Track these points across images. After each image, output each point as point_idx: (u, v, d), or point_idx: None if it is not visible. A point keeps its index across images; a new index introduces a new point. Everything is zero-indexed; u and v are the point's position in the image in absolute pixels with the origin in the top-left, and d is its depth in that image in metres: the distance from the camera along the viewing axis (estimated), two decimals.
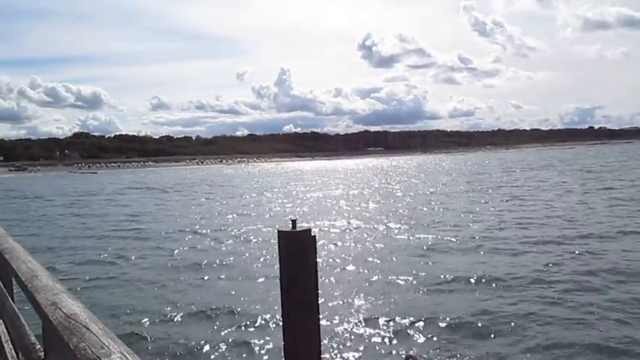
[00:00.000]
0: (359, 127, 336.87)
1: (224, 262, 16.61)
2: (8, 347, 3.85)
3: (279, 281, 6.17)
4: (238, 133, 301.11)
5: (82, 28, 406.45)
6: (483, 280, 13.17)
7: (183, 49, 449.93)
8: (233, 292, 13.04)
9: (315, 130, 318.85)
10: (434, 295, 12.32)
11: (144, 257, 18.19)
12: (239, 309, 11.59)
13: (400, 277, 13.81)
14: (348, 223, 24.78)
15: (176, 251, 18.84)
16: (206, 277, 14.76)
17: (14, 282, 4.06)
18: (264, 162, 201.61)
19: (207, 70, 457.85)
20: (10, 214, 36.19)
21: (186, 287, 13.86)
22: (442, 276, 13.76)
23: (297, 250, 6.11)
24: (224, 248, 19.34)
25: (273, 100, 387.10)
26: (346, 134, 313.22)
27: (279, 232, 6.31)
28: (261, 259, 16.68)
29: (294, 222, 6.23)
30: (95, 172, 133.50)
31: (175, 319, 11.10)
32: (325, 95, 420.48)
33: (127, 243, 21.28)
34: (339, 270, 14.97)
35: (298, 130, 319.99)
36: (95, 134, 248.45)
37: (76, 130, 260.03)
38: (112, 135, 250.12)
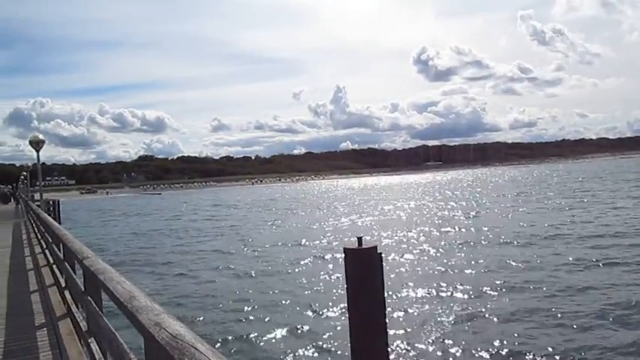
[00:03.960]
0: (416, 142, 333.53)
1: (289, 275, 16.82)
2: None
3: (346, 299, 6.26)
4: (296, 152, 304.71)
5: (147, 56, 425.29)
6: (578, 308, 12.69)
7: (242, 72, 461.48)
8: (300, 309, 13.16)
9: (373, 146, 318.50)
10: (513, 325, 11.60)
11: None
12: (307, 327, 11.69)
13: (471, 297, 13.52)
14: (414, 239, 24.50)
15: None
16: (273, 290, 14.97)
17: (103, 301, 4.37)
18: (322, 179, 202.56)
19: (265, 91, 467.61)
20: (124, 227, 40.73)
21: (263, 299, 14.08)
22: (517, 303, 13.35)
23: (363, 268, 6.16)
24: (295, 262, 19.55)
25: (330, 117, 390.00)
26: (404, 149, 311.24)
27: (345, 249, 6.35)
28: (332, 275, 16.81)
29: (360, 239, 6.27)
30: (159, 194, 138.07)
31: (250, 336, 11.29)
32: (382, 111, 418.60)
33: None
34: (406, 289, 14.74)
35: (355, 146, 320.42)
36: (159, 156, 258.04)
37: (142, 153, 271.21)
38: (175, 157, 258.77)
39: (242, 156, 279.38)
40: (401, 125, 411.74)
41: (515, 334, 10.39)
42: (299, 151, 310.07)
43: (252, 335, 11.31)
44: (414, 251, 21.01)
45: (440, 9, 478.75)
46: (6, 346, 5.57)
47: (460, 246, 21.59)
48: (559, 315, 11.39)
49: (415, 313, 12.30)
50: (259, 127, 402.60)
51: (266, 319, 12.50)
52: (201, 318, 12.97)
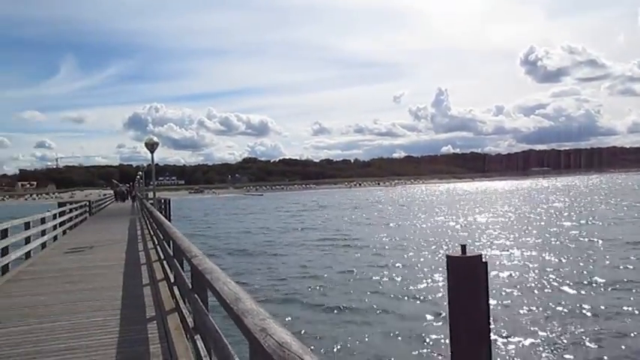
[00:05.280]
0: (522, 146, 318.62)
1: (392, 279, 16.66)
2: None
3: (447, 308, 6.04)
4: (395, 155, 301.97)
5: (252, 63, 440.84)
6: None
7: (343, 76, 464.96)
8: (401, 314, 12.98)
9: (475, 151, 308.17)
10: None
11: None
12: (406, 333, 11.47)
13: (581, 312, 12.67)
14: (520, 248, 23.36)
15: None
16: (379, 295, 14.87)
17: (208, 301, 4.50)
18: (422, 183, 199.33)
19: (365, 94, 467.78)
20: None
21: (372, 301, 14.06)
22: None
23: (467, 277, 5.89)
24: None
25: (431, 121, 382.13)
26: (509, 154, 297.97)
27: (448, 257, 6.12)
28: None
29: (463, 247, 6.00)
30: (261, 194, 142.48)
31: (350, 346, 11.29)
32: (485, 114, 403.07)
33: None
34: (512, 299, 14.06)
35: (457, 150, 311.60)
36: (262, 159, 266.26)
37: (246, 155, 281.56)
38: (277, 159, 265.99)
39: (342, 159, 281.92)
40: (506, 129, 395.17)
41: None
42: (399, 154, 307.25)
43: (351, 339, 11.26)
44: (525, 260, 20.02)
45: (550, 7, 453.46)
46: (120, 336, 5.90)
47: (573, 257, 20.26)
48: None
49: (522, 325, 11.67)
50: (359, 130, 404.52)
51: (368, 322, 12.46)
52: (306, 316, 13.13)
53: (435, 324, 11.96)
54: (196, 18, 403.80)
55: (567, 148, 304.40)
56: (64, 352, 5.40)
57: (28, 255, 13.10)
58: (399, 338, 11.24)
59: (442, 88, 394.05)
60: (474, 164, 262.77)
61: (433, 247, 25.21)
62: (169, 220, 16.68)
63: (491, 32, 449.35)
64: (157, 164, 22.37)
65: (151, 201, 25.67)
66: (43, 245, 15.31)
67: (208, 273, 3.62)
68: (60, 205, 26.54)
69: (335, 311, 13.88)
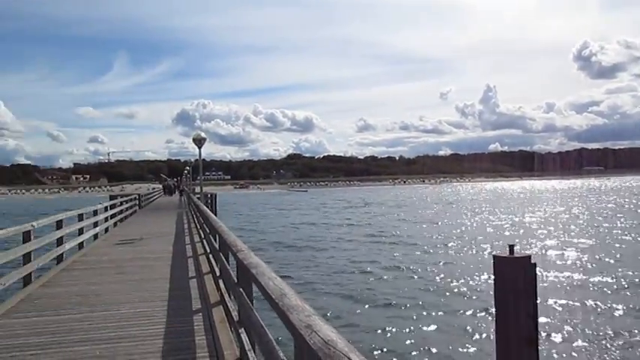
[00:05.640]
0: (574, 145, 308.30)
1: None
2: (251, 355, 4.14)
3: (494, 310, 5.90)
4: (441, 153, 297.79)
5: (297, 60, 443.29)
6: None
7: (389, 72, 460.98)
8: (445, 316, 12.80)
9: (524, 149, 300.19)
10: None
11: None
12: (452, 333, 11.31)
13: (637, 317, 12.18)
14: (572, 250, 22.61)
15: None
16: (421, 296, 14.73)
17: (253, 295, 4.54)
18: (468, 182, 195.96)
19: (411, 91, 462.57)
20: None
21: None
22: None
23: (514, 278, 5.73)
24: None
25: (478, 118, 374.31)
26: (559, 152, 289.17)
27: (494, 257, 5.97)
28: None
29: (511, 247, 5.85)
30: (305, 191, 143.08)
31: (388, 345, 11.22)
32: (535, 111, 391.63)
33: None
34: (562, 303, 13.63)
35: (505, 148, 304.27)
36: (306, 155, 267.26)
37: (290, 151, 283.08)
38: (321, 156, 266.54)
39: (386, 156, 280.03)
40: (557, 126, 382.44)
41: None
42: (444, 152, 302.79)
43: (394, 336, 11.19)
44: (576, 262, 19.44)
45: (604, 0, 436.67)
46: (167, 327, 6.04)
47: (628, 260, 19.50)
48: None
49: (572, 331, 11.31)
50: (404, 127, 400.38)
51: (411, 320, 12.33)
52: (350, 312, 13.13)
53: (480, 325, 11.73)
54: (244, 15, 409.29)
55: (622, 147, 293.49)
56: (113, 340, 5.56)
57: (81, 245, 13.56)
58: (443, 338, 11.07)
59: (490, 85, 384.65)
60: (522, 163, 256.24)
61: (480, 245, 24.76)
62: (215, 215, 16.96)
63: (541, 27, 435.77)
64: (203, 159, 22.78)
65: (198, 195, 26.19)
66: (95, 236, 15.84)
67: (254, 267, 3.66)
68: (111, 198, 27.35)
69: (379, 307, 13.86)
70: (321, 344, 1.95)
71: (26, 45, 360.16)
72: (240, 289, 4.51)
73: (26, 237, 8.92)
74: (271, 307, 2.81)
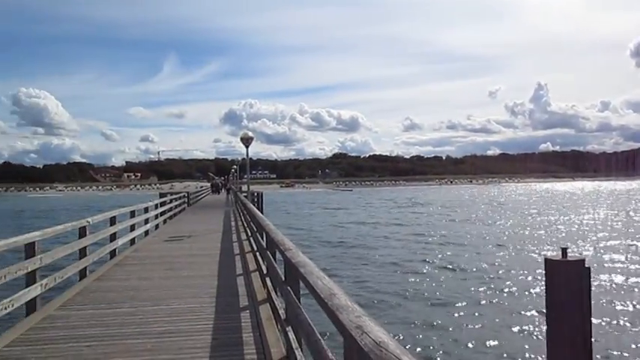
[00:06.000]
0: (630, 145, 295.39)
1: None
2: (299, 354, 4.14)
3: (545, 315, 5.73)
4: (490, 153, 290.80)
5: (343, 59, 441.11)
6: None
7: (436, 71, 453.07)
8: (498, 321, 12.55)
9: (577, 149, 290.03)
10: None
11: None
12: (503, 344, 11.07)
13: None
14: (629, 254, 21.76)
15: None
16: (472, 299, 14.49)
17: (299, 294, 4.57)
18: (517, 182, 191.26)
19: (458, 89, 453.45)
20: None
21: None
22: None
23: (567, 282, 5.54)
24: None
25: (529, 117, 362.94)
26: (614, 153, 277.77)
27: (546, 260, 5.79)
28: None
29: (564, 250, 5.66)
30: (351, 190, 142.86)
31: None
32: (589, 110, 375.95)
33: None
34: (617, 309, 13.11)
35: (557, 148, 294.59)
36: (352, 154, 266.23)
37: (336, 150, 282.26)
38: (367, 155, 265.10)
39: (433, 156, 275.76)
40: (612, 126, 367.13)
41: None
42: (493, 152, 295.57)
43: (442, 335, 11.03)
44: (634, 268, 18.70)
45: None
46: (215, 323, 6.14)
47: None
48: None
49: (628, 340, 10.87)
50: (452, 126, 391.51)
51: (460, 320, 12.15)
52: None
53: (530, 330, 11.43)
54: (289, 14, 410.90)
55: None
56: (163, 335, 5.70)
57: (132, 241, 13.98)
58: (491, 341, 10.84)
59: (541, 83, 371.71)
60: (574, 163, 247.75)
61: (532, 248, 24.13)
62: (262, 213, 17.15)
63: (595, 22, 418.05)
64: (250, 158, 23.03)
65: (245, 194, 26.54)
66: (146, 233, 16.29)
67: (302, 266, 3.68)
68: (161, 195, 28.06)
69: (427, 305, 13.77)
70: (372, 346, 1.93)
71: (82, 47, 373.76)
72: (288, 288, 4.54)
73: (82, 232, 9.27)
74: (320, 306, 2.82)
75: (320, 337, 3.02)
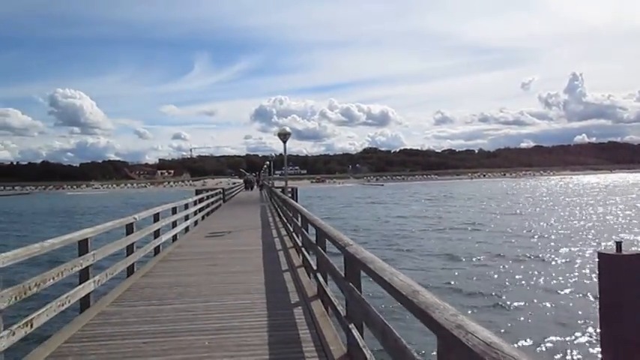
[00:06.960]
0: None
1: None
2: (367, 352, 3.97)
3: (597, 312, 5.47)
4: (523, 145, 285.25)
5: (372, 54, 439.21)
6: None
7: (467, 63, 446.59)
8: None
9: (614, 140, 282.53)
10: None
11: None
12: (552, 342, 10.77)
13: None
14: None
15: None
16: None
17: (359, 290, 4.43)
18: (553, 175, 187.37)
19: (490, 82, 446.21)
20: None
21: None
22: None
23: (622, 278, 5.27)
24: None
25: (563, 108, 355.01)
26: None
27: (599, 254, 5.54)
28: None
29: (619, 244, 5.41)
30: (382, 185, 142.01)
31: None
32: (626, 100, 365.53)
33: None
34: None
35: (593, 140, 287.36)
36: (382, 149, 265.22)
37: (366, 145, 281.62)
38: (398, 149, 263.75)
39: (465, 149, 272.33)
40: None
41: None
42: (527, 144, 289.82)
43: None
44: None
45: None
46: (270, 319, 6.08)
47: None
48: None
49: None
50: (484, 119, 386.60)
51: (505, 316, 11.83)
52: None
53: (582, 328, 11.07)
54: (317, 10, 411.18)
55: None
56: (217, 331, 5.66)
57: (174, 238, 14.09)
58: (540, 339, 10.54)
59: (577, 73, 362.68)
60: (612, 155, 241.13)
61: (580, 242, 23.46)
62: None
63: (632, 10, 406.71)
64: (281, 154, 23.05)
65: (280, 189, 26.55)
66: (187, 229, 16.41)
67: (369, 262, 3.56)
68: (197, 192, 28.30)
69: (468, 298, 13.51)
70: (483, 346, 1.80)
71: (116, 48, 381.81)
72: (350, 284, 4.42)
73: (129, 229, 9.34)
74: (401, 304, 2.69)
75: (399, 336, 2.88)
